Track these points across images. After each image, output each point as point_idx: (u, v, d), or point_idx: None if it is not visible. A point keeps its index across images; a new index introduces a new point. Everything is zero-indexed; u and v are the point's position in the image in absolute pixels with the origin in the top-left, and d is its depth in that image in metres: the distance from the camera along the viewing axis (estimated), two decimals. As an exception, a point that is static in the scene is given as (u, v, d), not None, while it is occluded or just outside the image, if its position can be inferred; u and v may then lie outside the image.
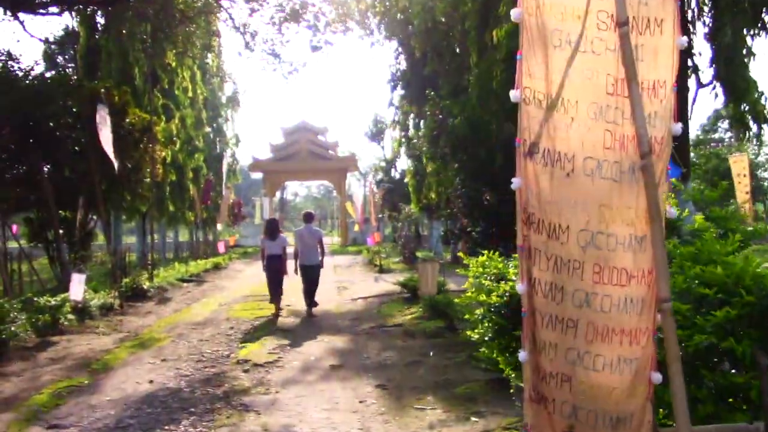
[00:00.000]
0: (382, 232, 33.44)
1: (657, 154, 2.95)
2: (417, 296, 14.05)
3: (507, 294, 4.14)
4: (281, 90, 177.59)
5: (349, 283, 19.11)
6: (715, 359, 3.53)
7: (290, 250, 13.60)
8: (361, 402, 6.67)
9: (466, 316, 9.60)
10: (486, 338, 4.50)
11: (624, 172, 2.95)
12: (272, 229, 13.63)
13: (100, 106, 15.34)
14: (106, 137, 15.31)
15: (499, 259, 4.99)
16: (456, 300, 9.77)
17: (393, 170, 53.33)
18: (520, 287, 3.04)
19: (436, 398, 6.64)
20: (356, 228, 43.82)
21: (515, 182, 3.03)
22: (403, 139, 34.07)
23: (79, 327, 11.56)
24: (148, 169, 19.13)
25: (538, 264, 3.00)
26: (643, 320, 2.95)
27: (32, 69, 16.97)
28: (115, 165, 15.52)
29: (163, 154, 21.91)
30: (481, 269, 4.78)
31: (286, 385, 7.50)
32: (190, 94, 30.34)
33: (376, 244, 30.83)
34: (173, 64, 26.74)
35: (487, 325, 4.46)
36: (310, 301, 13.30)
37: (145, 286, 16.43)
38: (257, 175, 70.07)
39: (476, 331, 4.67)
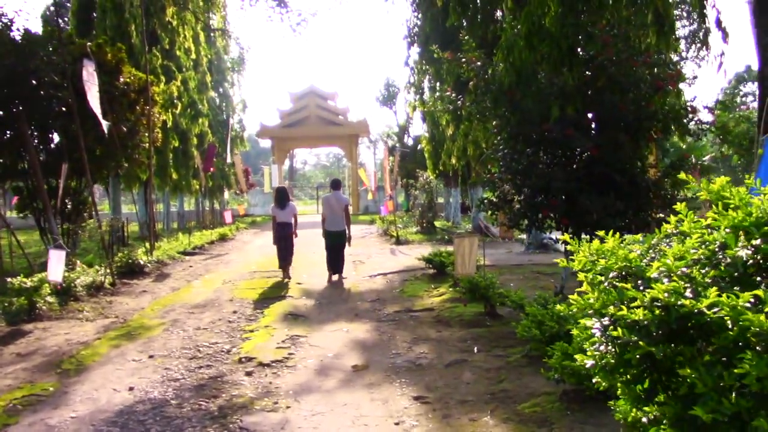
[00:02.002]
0: (396, 201, 31.80)
1: None
2: (444, 273, 12.55)
3: (659, 304, 2.51)
4: (289, 52, 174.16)
5: (365, 257, 17.54)
6: None
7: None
8: (397, 424, 5.11)
9: (511, 300, 8.09)
10: (606, 368, 2.90)
11: None
12: (282, 197, 13.77)
13: (87, 62, 13.74)
14: (94, 96, 13.77)
15: (630, 246, 3.35)
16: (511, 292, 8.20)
17: (406, 136, 51.69)
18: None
19: (496, 419, 5.07)
20: (370, 196, 42.24)
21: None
22: (418, 103, 32.37)
23: (60, 311, 10.07)
24: (146, 134, 17.52)
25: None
26: None
27: (13, 21, 15.30)
28: (104, 127, 13.95)
29: (163, 117, 20.29)
30: (595, 258, 3.17)
31: (298, 395, 5.94)
32: (193, 55, 28.58)
33: (390, 213, 29.30)
34: (174, 23, 25.00)
35: (612, 350, 2.85)
36: (335, 268, 13.50)
37: (142, 261, 14.92)
38: (266, 143, 68.56)
39: (590, 353, 3.07)
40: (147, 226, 22.26)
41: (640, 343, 2.52)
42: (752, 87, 50.97)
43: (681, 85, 9.50)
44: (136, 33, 22.13)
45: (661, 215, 9.01)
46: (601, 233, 3.41)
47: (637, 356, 2.62)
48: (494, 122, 9.71)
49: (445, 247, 18.55)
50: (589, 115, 9.05)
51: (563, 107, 7.99)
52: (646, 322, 2.55)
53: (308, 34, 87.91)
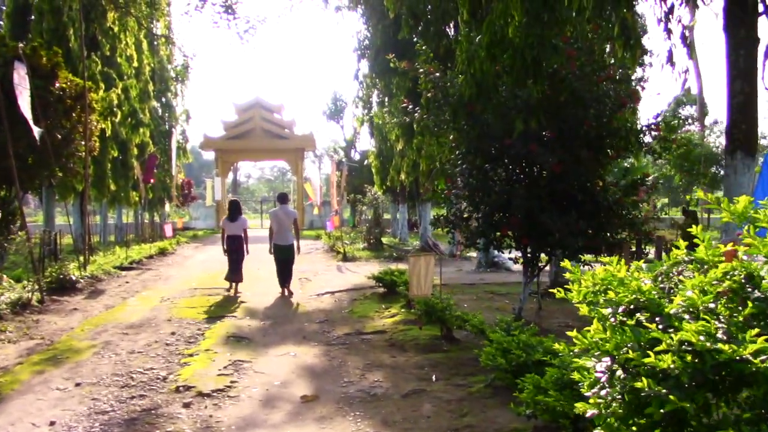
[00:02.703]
0: (342, 216, 31.27)
1: None
2: (395, 292, 12.06)
3: (690, 349, 2.07)
4: (235, 63, 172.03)
5: (311, 274, 16.95)
6: None
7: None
8: (353, 467, 4.58)
9: (471, 324, 7.65)
10: (614, 418, 2.44)
11: None
12: (233, 210, 13.94)
13: (18, 64, 12.95)
14: (25, 101, 12.97)
15: (639, 274, 2.90)
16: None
17: (353, 151, 51.30)
18: None
19: (463, 461, 4.59)
20: (315, 211, 41.62)
21: None
22: (367, 117, 32.01)
23: (-22, 332, 9.23)
24: (82, 142, 16.61)
25: None
26: None
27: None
28: (36, 133, 13.11)
29: (101, 125, 19.35)
30: (600, 288, 2.73)
31: (242, 430, 5.36)
32: (135, 63, 27.66)
33: (336, 228, 28.76)
34: (116, 29, 24.07)
35: (620, 397, 2.39)
36: (285, 282, 13.39)
37: (74, 276, 14.03)
38: (209, 156, 67.24)
39: (592, 400, 2.61)
40: (82, 239, 21.26)
41: (671, 397, 2.07)
42: (690, 110, 52.01)
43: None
44: (75, 37, 21.21)
45: (623, 235, 8.75)
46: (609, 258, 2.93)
47: (662, 411, 2.17)
48: (451, 136, 9.31)
49: (393, 264, 18.11)
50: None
51: (527, 121, 7.63)
52: (676, 371, 2.10)
53: (256, 42, 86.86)
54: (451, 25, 17.45)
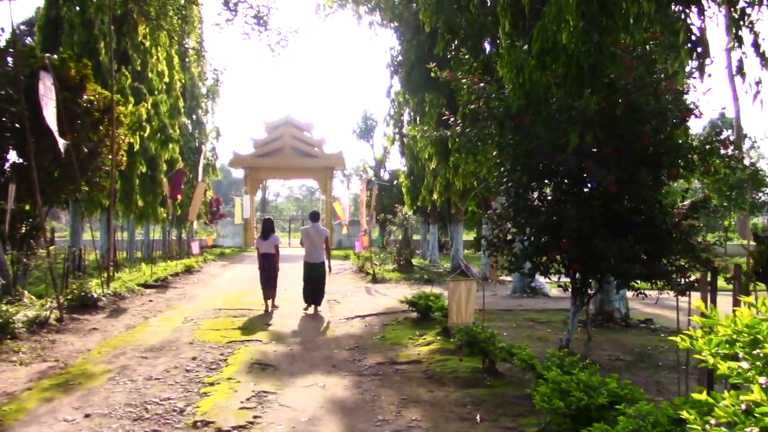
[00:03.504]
0: (370, 236, 30.70)
1: None
2: (429, 318, 11.42)
3: None
4: (266, 80, 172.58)
5: (340, 296, 16.33)
6: None
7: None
8: None
9: (519, 358, 6.95)
10: None
11: None
12: (266, 228, 14.07)
13: (44, 74, 12.61)
14: (50, 112, 12.63)
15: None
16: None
17: (383, 170, 50.79)
18: None
19: None
20: (344, 231, 41.09)
21: None
22: (397, 136, 31.52)
23: (-9, 352, 8.72)
24: (109, 156, 16.24)
25: None
26: None
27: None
28: (61, 146, 12.73)
29: (129, 140, 19.04)
30: (743, 339, 2.07)
31: (265, 478, 4.73)
32: (166, 78, 27.52)
33: (365, 248, 28.19)
34: (147, 43, 23.89)
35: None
36: (314, 300, 13.44)
37: (95, 294, 13.55)
38: (238, 174, 67.25)
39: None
40: (108, 255, 20.91)
41: None
42: (725, 133, 50.76)
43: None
44: (105, 51, 20.98)
45: (682, 262, 8.01)
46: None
47: None
48: (495, 152, 8.67)
49: (425, 287, 17.44)
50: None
51: (582, 135, 6.97)
52: None
53: (287, 57, 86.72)
54: (488, 40, 16.85)
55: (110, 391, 7.06)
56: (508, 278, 20.26)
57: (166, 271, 21.35)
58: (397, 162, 49.26)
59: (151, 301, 15.13)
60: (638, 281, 8.11)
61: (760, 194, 39.98)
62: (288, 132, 47.15)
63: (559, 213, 7.55)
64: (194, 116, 39.70)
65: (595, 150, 7.34)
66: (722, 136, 7.74)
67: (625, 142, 7.48)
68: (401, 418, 6.11)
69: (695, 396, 2.41)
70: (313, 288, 13.46)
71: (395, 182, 41.77)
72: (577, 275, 8.17)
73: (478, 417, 6.03)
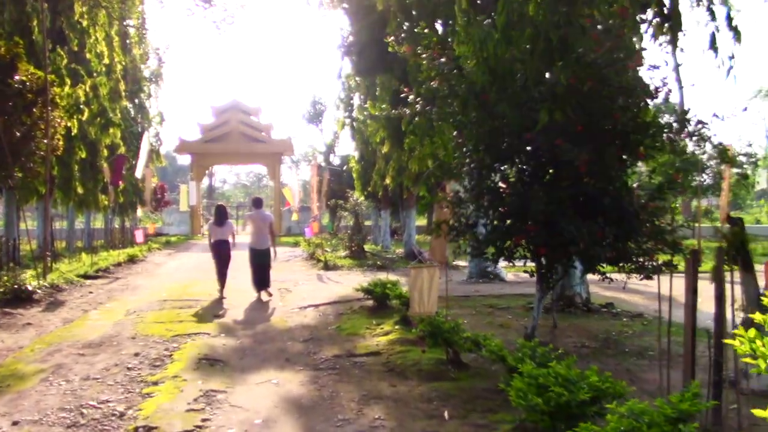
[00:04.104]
0: (320, 222, 30.15)
1: None
2: (386, 306, 10.98)
3: None
4: (212, 62, 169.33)
5: (291, 284, 15.78)
6: None
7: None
8: None
9: (489, 350, 6.54)
10: None
11: None
12: (219, 215, 14.01)
13: (-31, 51, 11.69)
14: (-23, 93, 11.72)
15: None
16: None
17: (332, 156, 50.15)
18: None
19: None
20: (294, 217, 40.43)
21: None
22: (347, 120, 31.01)
23: None
24: (44, 140, 15.31)
25: None
26: None
27: None
28: (-9, 128, 11.87)
29: (65, 123, 18.02)
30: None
31: (215, 492, 4.22)
32: (106, 60, 26.20)
33: (315, 235, 27.68)
34: (84, 23, 22.78)
35: None
36: (261, 287, 13.39)
37: (30, 286, 12.71)
38: (184, 161, 65.81)
39: None
40: (45, 245, 19.94)
41: None
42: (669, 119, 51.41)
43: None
44: (39, 29, 19.85)
45: (650, 245, 7.72)
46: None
47: None
48: (455, 132, 8.23)
49: (378, 274, 17.02)
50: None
51: (551, 112, 6.57)
52: None
53: (233, 34, 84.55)
54: (441, 21, 16.42)
55: (43, 393, 6.43)
56: (462, 263, 19.99)
57: (107, 261, 20.47)
58: (347, 147, 48.74)
59: (91, 293, 14.35)
60: (604, 265, 7.82)
61: (703, 177, 40.62)
62: (235, 117, 46.11)
63: (525, 195, 7.16)
64: (137, 100, 38.38)
65: (563, 128, 6.95)
66: (690, 115, 7.38)
67: (594, 119, 7.11)
68: (363, 417, 5.65)
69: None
70: (262, 275, 13.39)
71: (345, 168, 41.24)
72: (543, 260, 7.81)
73: (446, 413, 5.59)
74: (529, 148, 7.16)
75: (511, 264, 8.69)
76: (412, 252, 23.66)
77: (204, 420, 5.57)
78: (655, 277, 7.36)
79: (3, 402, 6.14)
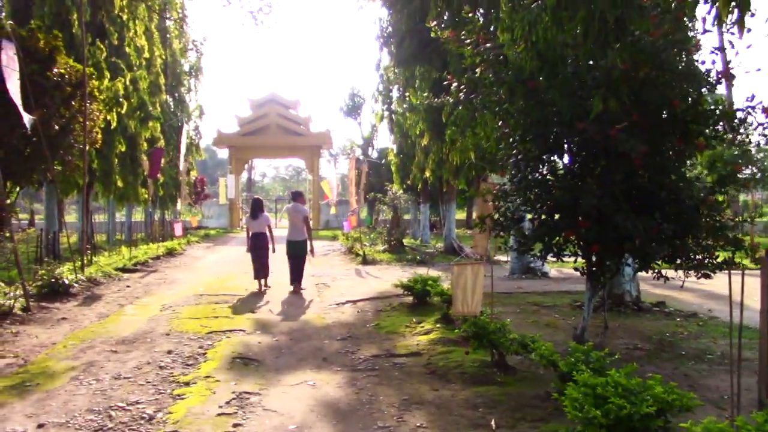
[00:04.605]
0: (359, 216, 29.84)
1: None
2: (426, 303, 10.63)
3: None
4: (250, 55, 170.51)
5: (329, 279, 15.50)
6: None
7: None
8: None
9: (540, 354, 6.12)
10: None
11: None
12: (255, 208, 14.09)
13: (6, 44, 11.63)
14: (14, 84, 11.64)
15: None
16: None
17: (371, 149, 49.88)
18: None
19: None
20: (333, 210, 40.21)
21: None
22: (386, 113, 30.65)
23: (-57, 348, 7.85)
24: (82, 133, 15.25)
25: None
26: None
27: None
28: (27, 121, 11.77)
29: (104, 116, 17.97)
30: None
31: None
32: (146, 54, 26.38)
33: (353, 228, 27.42)
34: (124, 17, 22.85)
35: None
36: (296, 277, 13.43)
37: (67, 280, 12.62)
38: (224, 154, 66.01)
39: None
40: (86, 238, 20.00)
41: None
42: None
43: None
44: (78, 23, 19.85)
45: (709, 242, 7.21)
46: None
47: None
48: (500, 122, 7.81)
49: (417, 269, 16.70)
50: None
51: (606, 99, 6.11)
52: None
53: (270, 25, 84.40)
54: (481, 11, 15.92)
55: (72, 393, 6.21)
56: (503, 258, 19.53)
57: (146, 254, 20.45)
58: (385, 140, 48.39)
59: (128, 286, 14.25)
60: (659, 262, 7.34)
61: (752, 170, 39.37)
62: (273, 110, 46.03)
63: (577, 188, 6.72)
64: (176, 94, 38.51)
65: (618, 117, 6.48)
66: (756, 103, 6.82)
67: (651, 108, 6.63)
68: (404, 425, 5.30)
69: None
70: (293, 266, 13.43)
71: (383, 161, 40.88)
72: (595, 258, 7.36)
73: (492, 422, 5.21)
74: (580, 138, 6.71)
75: (556, 260, 8.22)
76: (452, 246, 23.23)
77: (235, 425, 5.28)
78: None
79: (30, 402, 5.94)
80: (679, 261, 7.20)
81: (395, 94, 28.86)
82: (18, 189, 15.53)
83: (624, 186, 6.69)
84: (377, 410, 5.69)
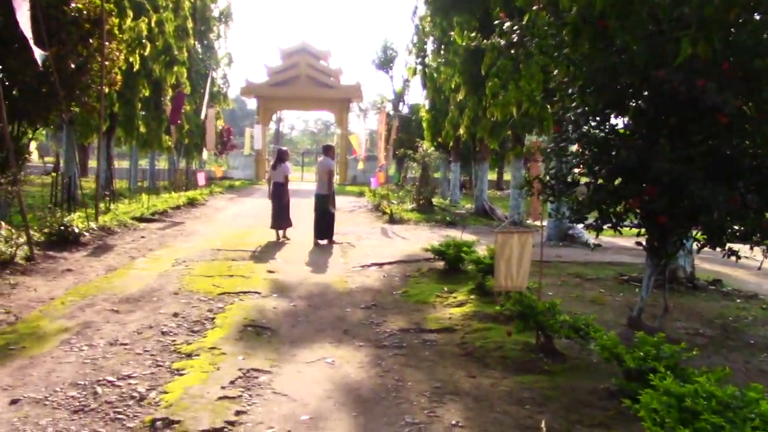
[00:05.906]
0: (387, 173, 28.91)
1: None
2: (458, 270, 9.76)
3: None
4: (282, 3, 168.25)
5: (354, 238, 14.65)
6: None
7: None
8: None
9: (601, 345, 5.21)
10: None
11: None
12: (277, 158, 14.39)
13: (16, -30, 10.70)
14: (24, 16, 10.79)
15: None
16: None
17: (402, 104, 48.66)
18: None
19: None
20: (360, 165, 39.30)
21: None
22: (420, 67, 29.44)
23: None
24: (99, 74, 14.40)
25: None
26: None
27: None
28: (38, 57, 10.93)
29: (124, 56, 17.08)
30: None
31: None
32: (172, -5, 25.45)
33: (381, 185, 26.55)
34: (150, -47, 21.87)
35: None
36: (319, 233, 13.43)
37: (77, 228, 11.91)
38: (252, 105, 65.08)
39: None
40: (105, 183, 19.37)
41: None
42: None
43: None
44: (102, -43, 18.88)
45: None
46: None
47: None
48: (555, 71, 6.81)
49: (447, 230, 15.87)
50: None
51: (696, 43, 5.10)
52: None
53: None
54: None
55: (58, 361, 5.46)
56: (537, 222, 18.54)
57: (166, 204, 19.75)
58: (417, 95, 47.08)
59: (143, 237, 13.54)
60: (737, 239, 6.35)
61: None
62: (304, 60, 44.88)
63: (646, 150, 5.73)
64: (205, 41, 37.61)
65: (704, 66, 5.45)
66: None
67: (744, 57, 5.58)
68: (436, 421, 4.46)
69: None
70: (320, 222, 13.43)
71: (414, 117, 39.72)
72: (660, 231, 6.39)
73: (543, 425, 4.35)
74: (649, 92, 5.71)
75: (614, 232, 7.25)
76: (483, 208, 22.28)
77: (238, 413, 4.47)
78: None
79: (10, 370, 5.20)
80: (758, 239, 6.21)
81: (430, 47, 27.65)
82: (33, 130, 14.76)
83: (702, 149, 5.69)
84: (405, 400, 4.86)
